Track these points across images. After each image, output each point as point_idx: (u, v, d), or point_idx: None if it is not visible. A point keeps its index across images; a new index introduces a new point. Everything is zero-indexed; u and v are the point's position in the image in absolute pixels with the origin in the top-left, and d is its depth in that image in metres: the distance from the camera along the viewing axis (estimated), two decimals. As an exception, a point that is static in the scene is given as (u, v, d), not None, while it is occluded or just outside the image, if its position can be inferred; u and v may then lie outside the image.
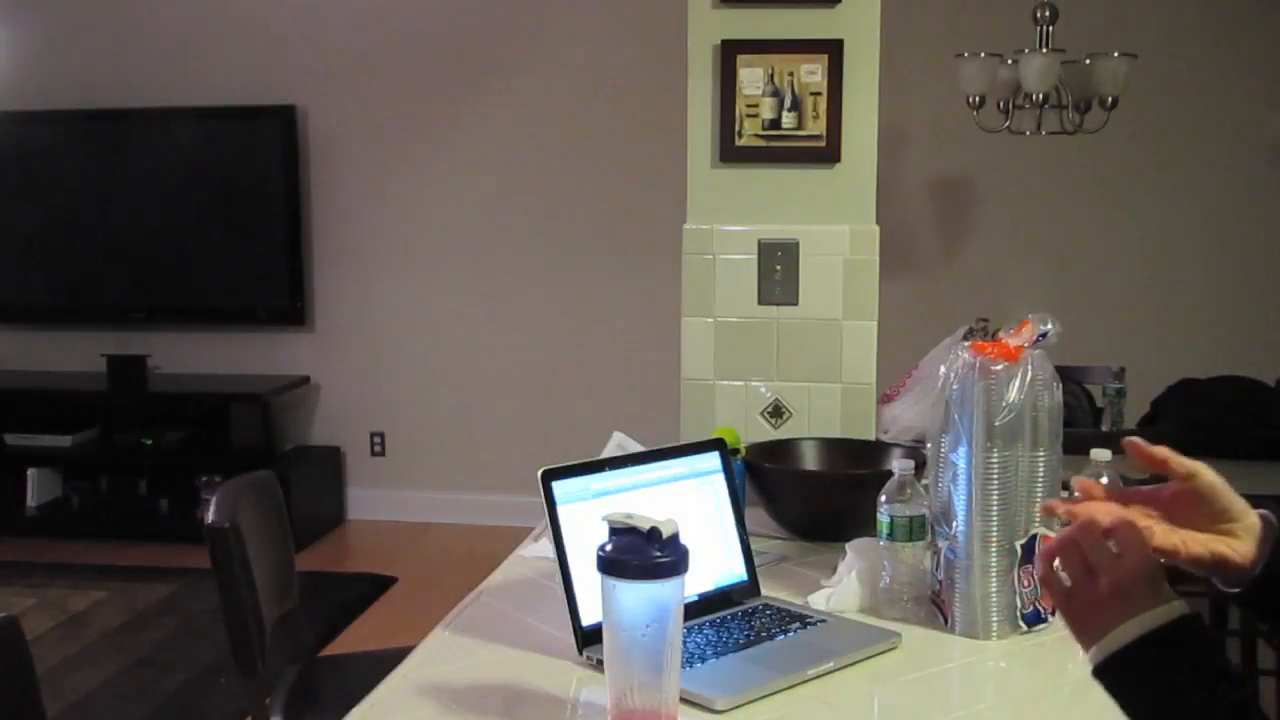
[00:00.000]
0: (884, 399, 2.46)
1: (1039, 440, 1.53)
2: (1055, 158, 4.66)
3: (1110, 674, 0.96)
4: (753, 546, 1.69)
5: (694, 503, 1.63)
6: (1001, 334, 1.55)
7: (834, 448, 2.19)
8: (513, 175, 5.25)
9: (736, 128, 2.32)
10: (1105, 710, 1.40)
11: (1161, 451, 1.06)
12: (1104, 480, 1.71)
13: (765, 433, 2.32)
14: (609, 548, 1.20)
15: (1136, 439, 1.08)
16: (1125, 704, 0.96)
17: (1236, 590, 1.06)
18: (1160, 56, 4.41)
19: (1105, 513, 1.00)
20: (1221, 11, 4.77)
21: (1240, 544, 1.05)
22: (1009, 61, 3.70)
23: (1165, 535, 1.05)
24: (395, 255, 5.37)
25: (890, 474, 1.65)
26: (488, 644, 1.53)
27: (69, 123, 5.40)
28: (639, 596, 1.18)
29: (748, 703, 1.34)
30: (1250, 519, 1.06)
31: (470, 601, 1.70)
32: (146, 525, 5.16)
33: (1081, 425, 3.42)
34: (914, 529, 1.61)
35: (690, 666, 1.40)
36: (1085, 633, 0.98)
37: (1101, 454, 1.73)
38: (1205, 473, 1.06)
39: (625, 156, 5.10)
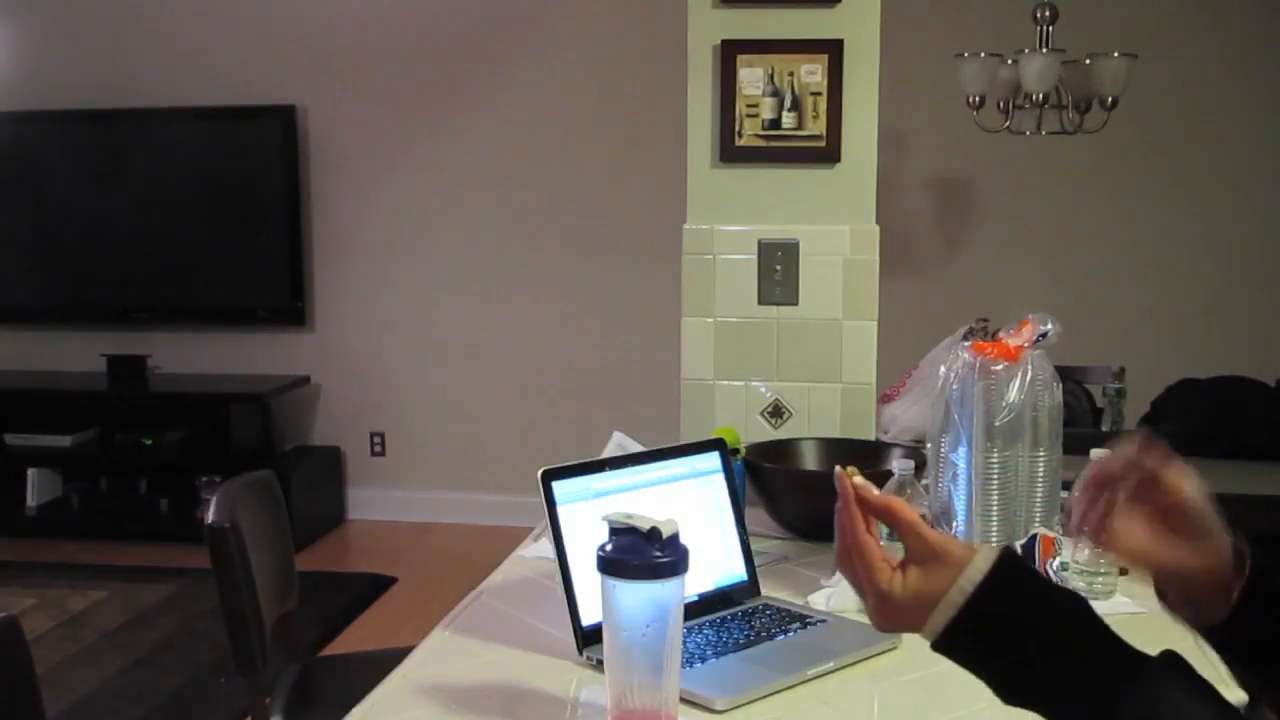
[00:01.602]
0: (884, 399, 2.46)
1: (1039, 440, 1.53)
2: (1055, 158, 4.65)
3: (949, 649, 0.96)
4: (753, 546, 1.69)
5: (694, 503, 1.63)
6: (1001, 334, 1.55)
7: (834, 448, 2.19)
8: (513, 175, 5.25)
9: (736, 128, 2.32)
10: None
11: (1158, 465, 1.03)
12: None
13: (765, 433, 2.32)
14: (609, 548, 1.20)
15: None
16: (974, 669, 0.96)
17: (1208, 628, 1.01)
18: (1160, 56, 4.41)
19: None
20: (1221, 11, 4.77)
21: (1211, 561, 0.99)
22: (1009, 61, 3.70)
23: (1110, 530, 1.02)
24: (395, 255, 5.37)
25: (890, 474, 1.65)
26: (488, 644, 1.53)
27: (69, 123, 5.40)
28: (639, 596, 1.18)
29: (748, 703, 1.34)
30: (1220, 541, 1.00)
31: (470, 601, 1.70)
32: (146, 525, 5.16)
33: (1081, 425, 3.42)
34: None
35: (690, 666, 1.40)
36: (908, 622, 1.00)
37: (1101, 454, 1.73)
38: (1191, 487, 1.02)
39: (625, 156, 5.10)
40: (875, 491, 1.03)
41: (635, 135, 5.05)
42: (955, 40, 4.05)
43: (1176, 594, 1.03)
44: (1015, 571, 0.96)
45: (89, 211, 5.42)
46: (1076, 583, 1.66)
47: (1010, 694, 0.94)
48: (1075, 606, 0.95)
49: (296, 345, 5.47)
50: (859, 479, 1.04)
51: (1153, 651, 0.94)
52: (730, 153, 2.33)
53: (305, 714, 2.08)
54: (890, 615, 1.01)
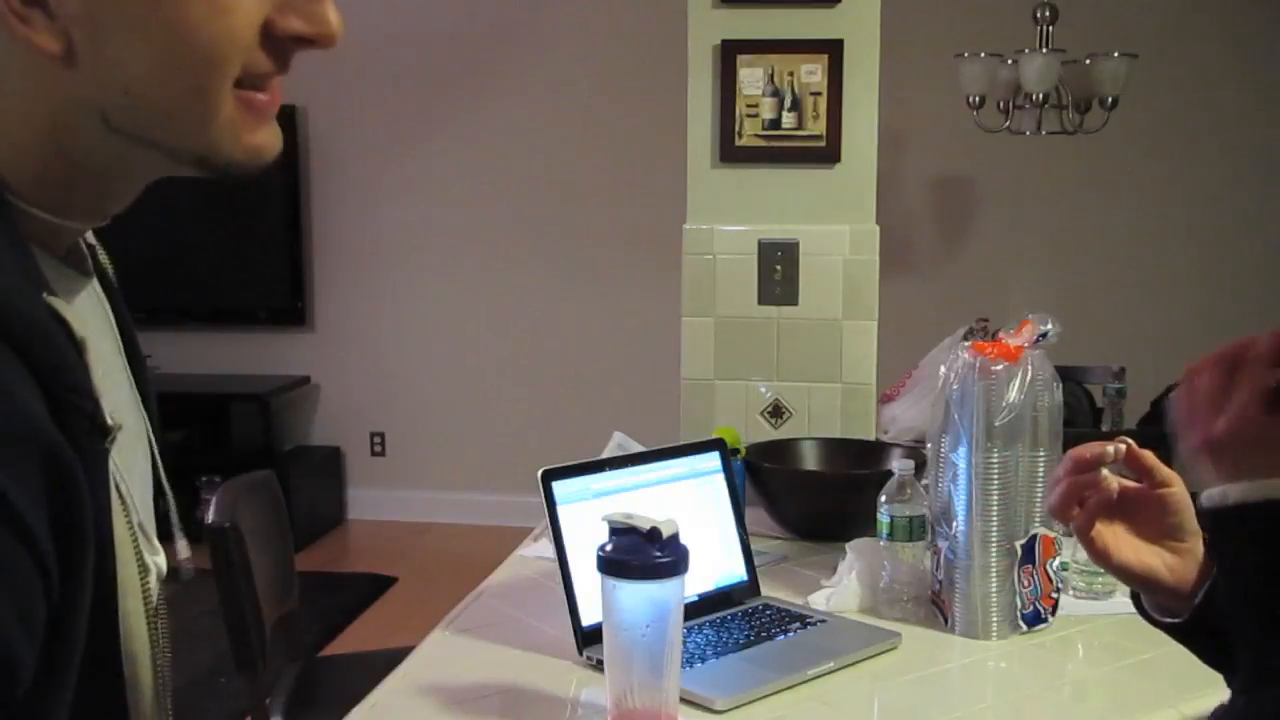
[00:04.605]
0: (884, 399, 2.47)
1: (1039, 440, 1.53)
2: (1055, 158, 4.65)
3: (1254, 520, 0.82)
4: (753, 546, 1.69)
5: (694, 503, 1.63)
6: (1001, 334, 1.55)
7: (834, 448, 2.19)
8: (513, 175, 5.25)
9: (736, 128, 2.32)
10: (1105, 711, 1.40)
11: (1149, 458, 1.05)
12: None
13: (765, 433, 2.32)
14: (609, 548, 1.20)
15: (1130, 441, 1.06)
16: (1245, 557, 0.82)
17: (1174, 620, 1.01)
18: (1160, 56, 4.41)
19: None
20: (1221, 11, 4.77)
21: (1180, 564, 1.02)
22: (1009, 61, 3.70)
23: (1100, 534, 1.03)
24: (395, 255, 5.37)
25: (890, 474, 1.65)
26: (488, 644, 1.53)
27: (69, 123, 5.39)
28: (639, 596, 1.18)
29: (748, 703, 1.34)
30: (1197, 545, 1.02)
31: (470, 601, 1.70)
32: (146, 525, 5.16)
33: (1081, 425, 3.42)
34: (914, 529, 1.61)
35: (690, 666, 1.40)
36: (1241, 461, 0.84)
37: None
38: (1179, 484, 1.03)
39: (625, 156, 5.10)
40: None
41: (635, 135, 5.05)
42: (955, 40, 4.05)
43: (1151, 600, 1.04)
44: None
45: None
46: (1077, 583, 1.66)
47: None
48: None
49: (296, 345, 5.47)
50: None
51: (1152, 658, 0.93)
52: (730, 153, 2.33)
53: (305, 714, 2.09)
54: (1244, 427, 0.84)
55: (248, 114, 0.67)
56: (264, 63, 0.67)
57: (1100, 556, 1.04)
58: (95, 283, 0.77)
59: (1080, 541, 1.05)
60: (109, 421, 0.64)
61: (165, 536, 0.81)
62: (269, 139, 0.70)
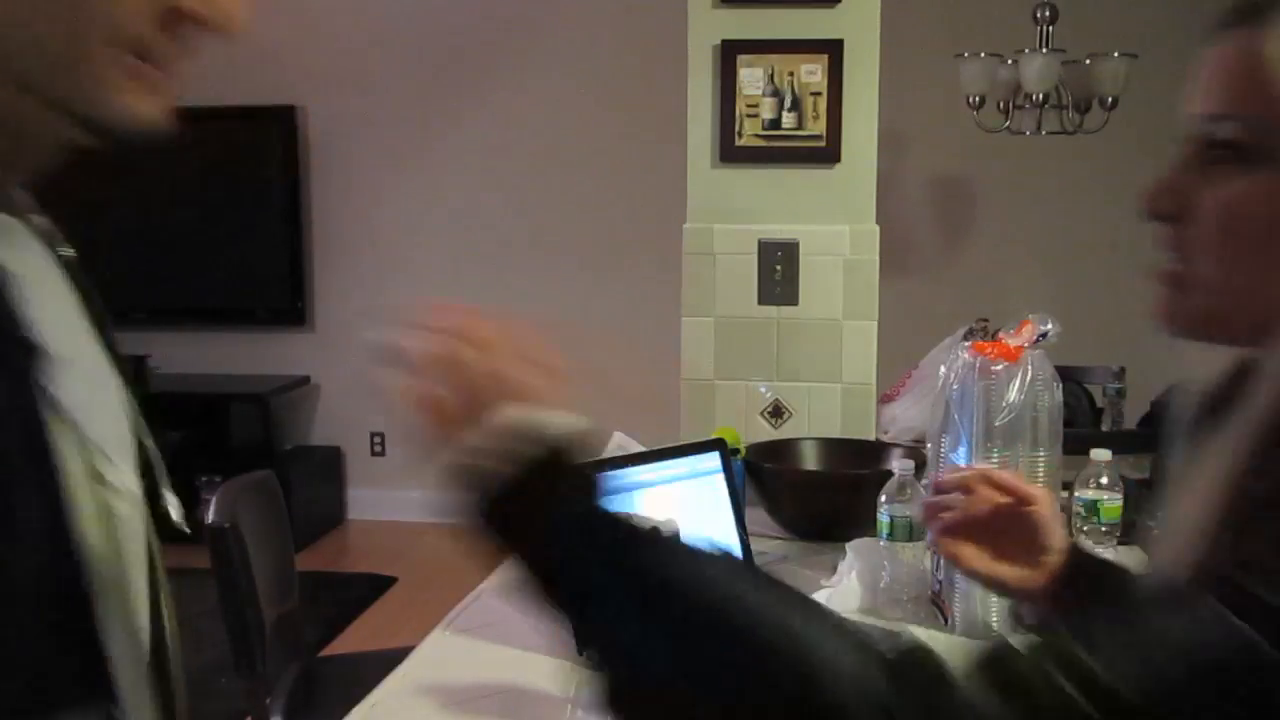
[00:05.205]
0: (884, 399, 2.46)
1: (1039, 440, 1.53)
2: (1055, 158, 4.65)
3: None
4: (753, 546, 1.69)
5: (694, 503, 1.63)
6: (1001, 334, 1.55)
7: (834, 448, 2.19)
8: (512, 174, 5.25)
9: (736, 128, 2.32)
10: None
11: (1009, 480, 1.15)
12: (1104, 480, 1.71)
13: (765, 433, 2.32)
14: (609, 548, 1.20)
15: (990, 469, 1.20)
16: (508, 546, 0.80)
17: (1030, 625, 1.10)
18: (1160, 56, 4.39)
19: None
20: (1221, 12, 4.77)
21: (1032, 575, 1.09)
22: (1009, 61, 3.70)
23: (954, 545, 1.14)
24: (395, 255, 5.37)
25: (890, 474, 1.66)
26: (488, 644, 1.53)
27: (69, 123, 5.39)
28: (639, 596, 1.18)
29: (748, 703, 1.34)
30: (1054, 558, 1.09)
31: (470, 601, 1.70)
32: (146, 525, 5.16)
33: (1081, 425, 3.42)
34: (914, 529, 1.61)
35: (690, 666, 1.39)
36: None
37: (1101, 454, 1.73)
38: (1044, 504, 1.11)
39: (625, 156, 5.10)
40: None
41: (635, 135, 5.04)
42: (955, 40, 4.05)
43: (1025, 607, 1.12)
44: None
45: (88, 211, 5.41)
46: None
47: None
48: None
49: (296, 345, 5.46)
50: None
51: None
52: (730, 153, 2.33)
53: (305, 714, 2.09)
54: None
55: (131, 79, 0.67)
56: (156, 36, 0.66)
57: (955, 565, 1.17)
58: (48, 250, 0.77)
59: (938, 551, 1.21)
60: (38, 343, 0.65)
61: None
62: (150, 107, 0.68)
